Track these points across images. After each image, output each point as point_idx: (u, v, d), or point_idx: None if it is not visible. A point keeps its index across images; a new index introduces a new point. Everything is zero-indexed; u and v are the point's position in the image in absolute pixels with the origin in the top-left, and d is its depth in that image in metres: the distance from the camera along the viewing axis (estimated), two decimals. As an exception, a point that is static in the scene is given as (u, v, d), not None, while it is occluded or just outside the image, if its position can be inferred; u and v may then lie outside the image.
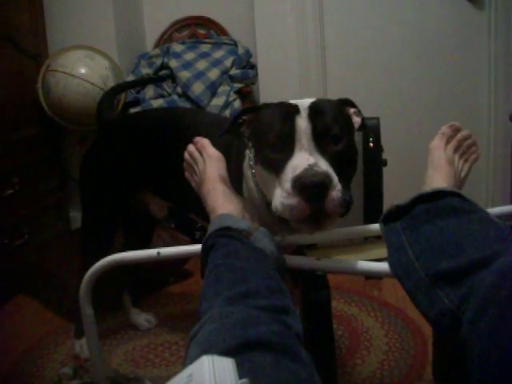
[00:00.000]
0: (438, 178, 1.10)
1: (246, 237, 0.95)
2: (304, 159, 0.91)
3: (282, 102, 1.04)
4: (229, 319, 0.66)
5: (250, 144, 1.08)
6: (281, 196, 0.91)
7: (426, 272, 0.81)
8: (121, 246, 1.71)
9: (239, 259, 0.86)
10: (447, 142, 1.16)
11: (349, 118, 1.06)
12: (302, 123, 0.95)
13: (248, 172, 1.14)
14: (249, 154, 1.13)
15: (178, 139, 1.25)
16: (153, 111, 1.98)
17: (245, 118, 1.10)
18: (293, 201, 0.88)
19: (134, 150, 1.49)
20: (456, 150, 1.16)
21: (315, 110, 0.97)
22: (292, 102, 1.02)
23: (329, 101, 1.05)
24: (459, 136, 1.17)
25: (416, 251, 0.86)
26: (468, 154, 1.17)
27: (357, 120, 1.08)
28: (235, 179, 1.18)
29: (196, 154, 1.19)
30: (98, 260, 1.17)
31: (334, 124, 0.96)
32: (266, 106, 1.07)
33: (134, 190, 1.56)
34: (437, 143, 1.16)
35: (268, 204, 1.05)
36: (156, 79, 2.52)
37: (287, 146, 0.94)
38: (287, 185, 0.90)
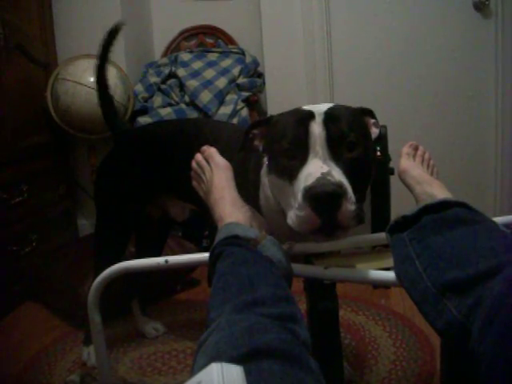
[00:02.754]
0: (437, 190, 1.12)
1: (254, 245, 0.94)
2: (317, 167, 0.88)
3: (297, 109, 1.02)
4: (236, 327, 0.66)
5: (266, 156, 1.08)
6: (294, 208, 0.90)
7: (434, 283, 0.81)
8: (130, 254, 1.71)
9: (247, 267, 0.85)
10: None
11: (366, 127, 1.04)
12: (317, 129, 0.92)
13: (265, 179, 1.13)
14: (266, 161, 1.13)
15: (199, 147, 1.25)
16: (175, 121, 1.97)
17: (255, 131, 1.10)
18: (304, 213, 0.87)
19: (155, 158, 1.49)
20: (422, 164, 1.28)
21: (331, 116, 0.95)
22: (308, 107, 0.99)
23: (347, 107, 1.02)
24: (420, 152, 1.32)
25: (423, 262, 0.85)
26: (431, 167, 1.29)
27: (374, 131, 1.06)
28: (252, 186, 1.18)
29: (203, 162, 1.20)
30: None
31: (350, 130, 0.94)
32: (277, 115, 1.06)
33: (153, 196, 1.55)
34: (408, 163, 1.28)
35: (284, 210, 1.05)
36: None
37: (301, 153, 0.92)
38: (299, 195, 0.88)
